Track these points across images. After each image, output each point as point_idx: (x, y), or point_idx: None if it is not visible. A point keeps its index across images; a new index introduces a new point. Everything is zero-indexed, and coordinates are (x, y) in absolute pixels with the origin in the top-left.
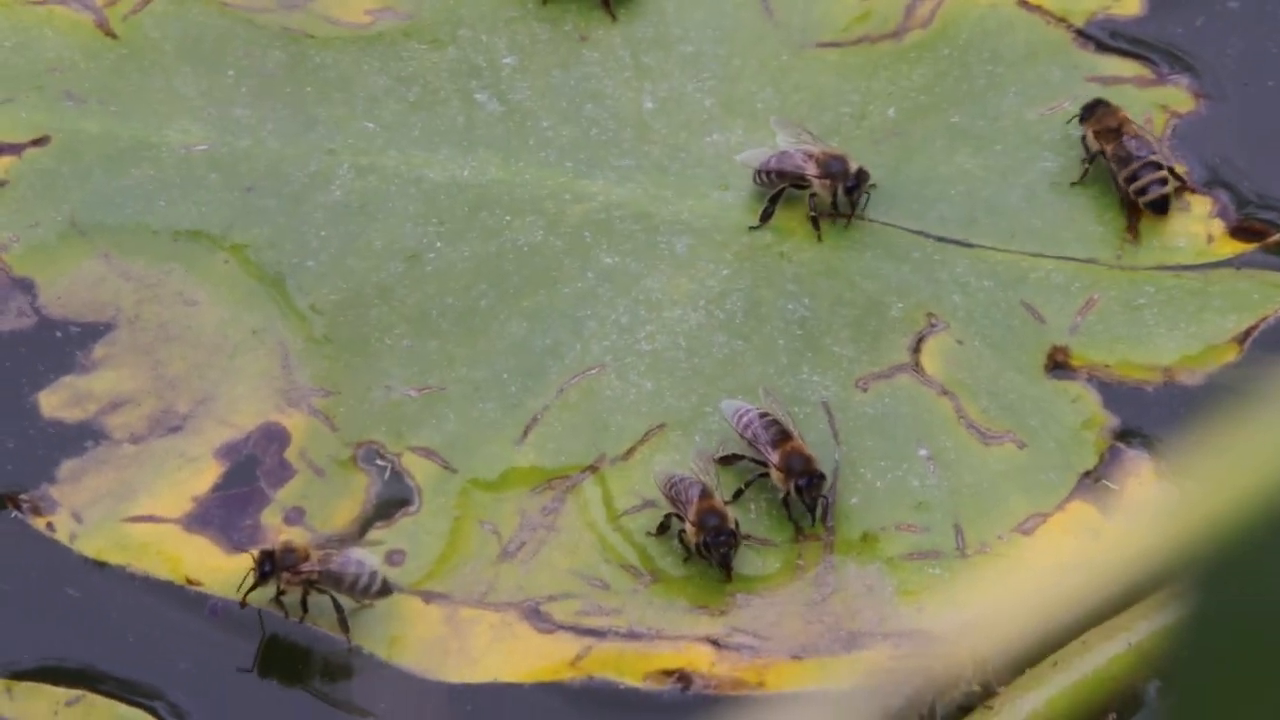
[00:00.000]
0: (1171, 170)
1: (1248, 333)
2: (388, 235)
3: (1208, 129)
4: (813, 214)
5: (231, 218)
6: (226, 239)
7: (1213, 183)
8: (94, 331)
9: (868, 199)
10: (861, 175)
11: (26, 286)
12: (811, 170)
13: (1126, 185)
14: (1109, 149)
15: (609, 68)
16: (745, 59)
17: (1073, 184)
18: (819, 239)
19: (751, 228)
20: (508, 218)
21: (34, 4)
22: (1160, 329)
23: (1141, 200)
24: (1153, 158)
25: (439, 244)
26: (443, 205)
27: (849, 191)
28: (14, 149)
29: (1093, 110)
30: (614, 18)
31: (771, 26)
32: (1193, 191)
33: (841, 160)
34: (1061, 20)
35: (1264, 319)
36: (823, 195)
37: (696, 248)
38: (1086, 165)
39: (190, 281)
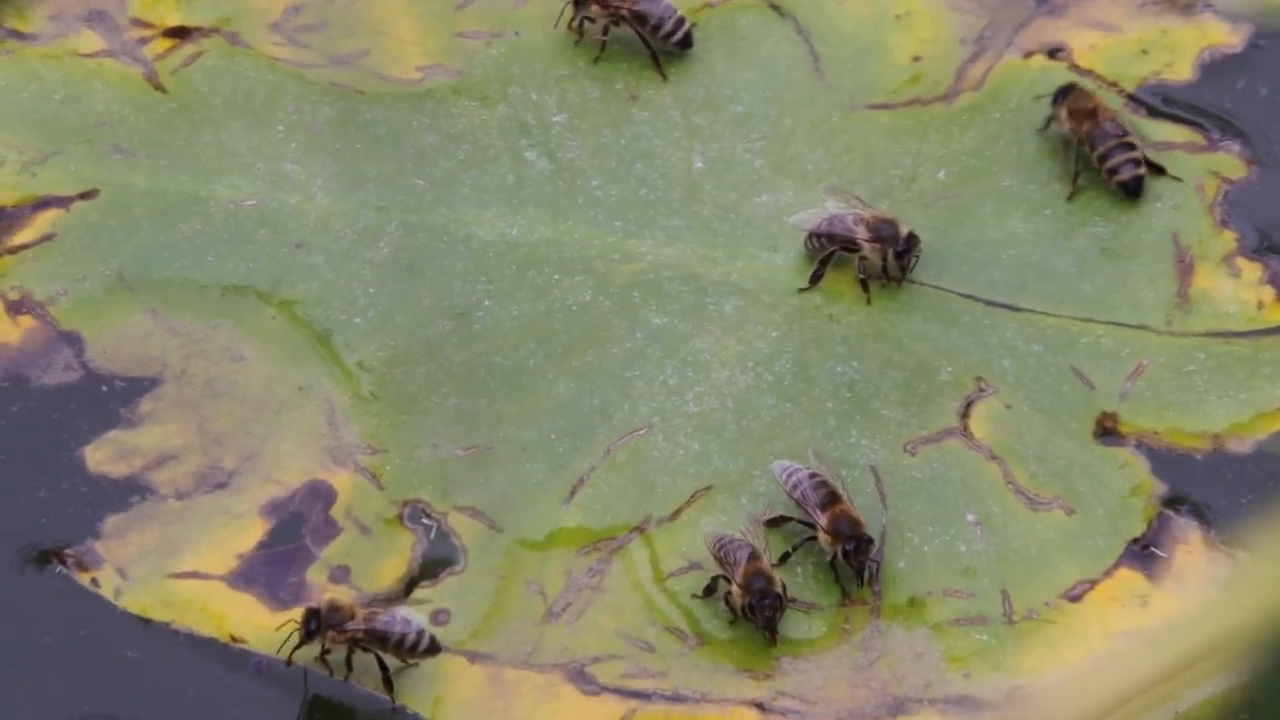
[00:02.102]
0: (1145, 156)
1: None
2: (436, 293)
3: (1259, 195)
4: (862, 277)
5: (280, 273)
6: (275, 295)
7: (1264, 249)
8: (140, 386)
9: (916, 262)
10: (912, 239)
11: (73, 340)
12: (862, 234)
13: (1099, 165)
14: (1083, 130)
15: (659, 127)
16: (796, 120)
17: (1068, 198)
18: (868, 302)
19: (801, 290)
20: (556, 277)
21: (84, 57)
22: (1210, 396)
23: (1114, 180)
24: (1127, 138)
25: (487, 302)
26: (491, 264)
27: (899, 255)
28: (62, 202)
29: (1066, 93)
30: (664, 77)
31: (822, 87)
32: (1162, 172)
33: (892, 224)
34: (1113, 85)
35: None
36: (872, 259)
37: (745, 309)
38: (1076, 170)
39: (238, 337)
